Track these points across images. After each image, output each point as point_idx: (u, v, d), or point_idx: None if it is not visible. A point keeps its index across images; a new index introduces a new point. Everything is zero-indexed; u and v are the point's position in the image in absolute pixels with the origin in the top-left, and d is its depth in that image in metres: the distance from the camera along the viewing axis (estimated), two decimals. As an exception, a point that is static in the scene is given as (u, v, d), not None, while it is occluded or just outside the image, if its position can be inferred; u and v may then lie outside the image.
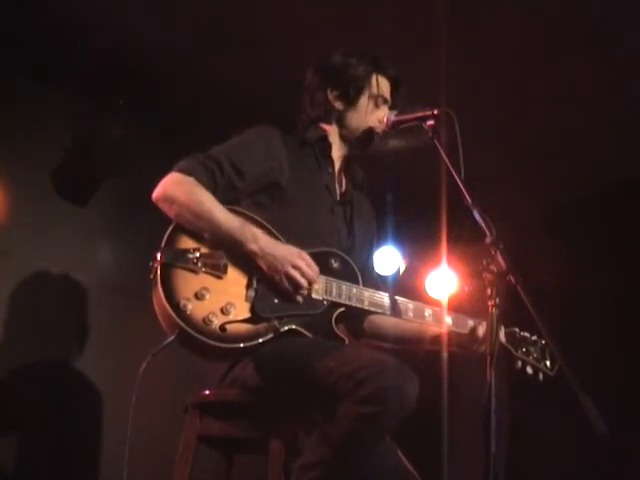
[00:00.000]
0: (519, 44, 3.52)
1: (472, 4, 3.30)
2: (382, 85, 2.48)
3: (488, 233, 1.89)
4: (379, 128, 2.43)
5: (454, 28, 3.35)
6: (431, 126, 2.18)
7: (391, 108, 2.49)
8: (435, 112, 2.18)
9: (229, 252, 2.10)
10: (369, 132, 2.44)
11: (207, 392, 2.25)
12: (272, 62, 3.74)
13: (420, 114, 2.24)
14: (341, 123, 2.48)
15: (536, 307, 1.78)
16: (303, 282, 2.10)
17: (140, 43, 3.66)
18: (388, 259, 4.87)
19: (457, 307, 2.47)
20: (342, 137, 2.49)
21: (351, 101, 2.45)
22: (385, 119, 2.40)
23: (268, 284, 2.11)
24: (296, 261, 2.10)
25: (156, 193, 2.17)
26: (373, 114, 2.45)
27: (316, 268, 2.14)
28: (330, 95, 2.47)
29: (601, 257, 4.43)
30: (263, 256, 2.09)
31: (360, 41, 3.45)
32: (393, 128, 2.39)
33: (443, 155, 2.09)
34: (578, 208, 4.68)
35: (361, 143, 2.48)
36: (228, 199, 2.22)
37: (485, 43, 3.52)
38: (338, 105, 2.47)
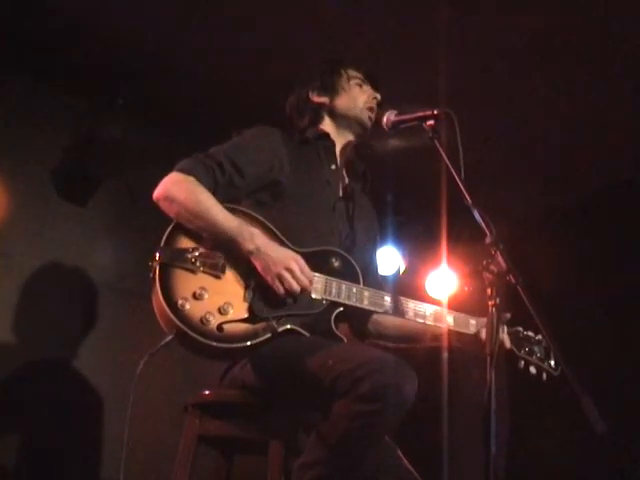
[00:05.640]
0: (519, 44, 3.52)
1: (473, 4, 3.29)
2: (352, 72, 2.55)
3: (488, 233, 1.89)
4: (371, 103, 2.48)
5: (454, 27, 3.34)
6: (431, 126, 2.17)
7: (375, 88, 2.54)
8: (435, 112, 2.18)
9: (227, 252, 2.10)
10: (363, 110, 2.48)
11: (207, 392, 2.25)
12: (273, 62, 3.74)
13: (420, 114, 2.23)
14: (333, 113, 2.52)
15: (537, 307, 1.78)
16: (294, 286, 2.08)
17: (140, 43, 3.66)
18: (388, 259, 4.86)
19: (457, 307, 2.46)
20: (339, 127, 2.52)
21: (332, 88, 2.51)
22: (385, 118, 2.38)
23: (262, 284, 2.11)
24: (290, 264, 2.08)
25: (157, 193, 2.18)
26: (360, 93, 2.51)
27: (310, 274, 2.13)
28: (313, 96, 2.52)
29: (601, 257, 4.42)
30: (258, 255, 2.09)
31: (360, 41, 3.47)
32: (393, 128, 2.37)
33: (443, 155, 2.08)
34: (578, 208, 4.68)
35: (359, 125, 2.50)
36: (229, 198, 2.22)
37: (486, 43, 3.52)
38: (323, 100, 2.51)
